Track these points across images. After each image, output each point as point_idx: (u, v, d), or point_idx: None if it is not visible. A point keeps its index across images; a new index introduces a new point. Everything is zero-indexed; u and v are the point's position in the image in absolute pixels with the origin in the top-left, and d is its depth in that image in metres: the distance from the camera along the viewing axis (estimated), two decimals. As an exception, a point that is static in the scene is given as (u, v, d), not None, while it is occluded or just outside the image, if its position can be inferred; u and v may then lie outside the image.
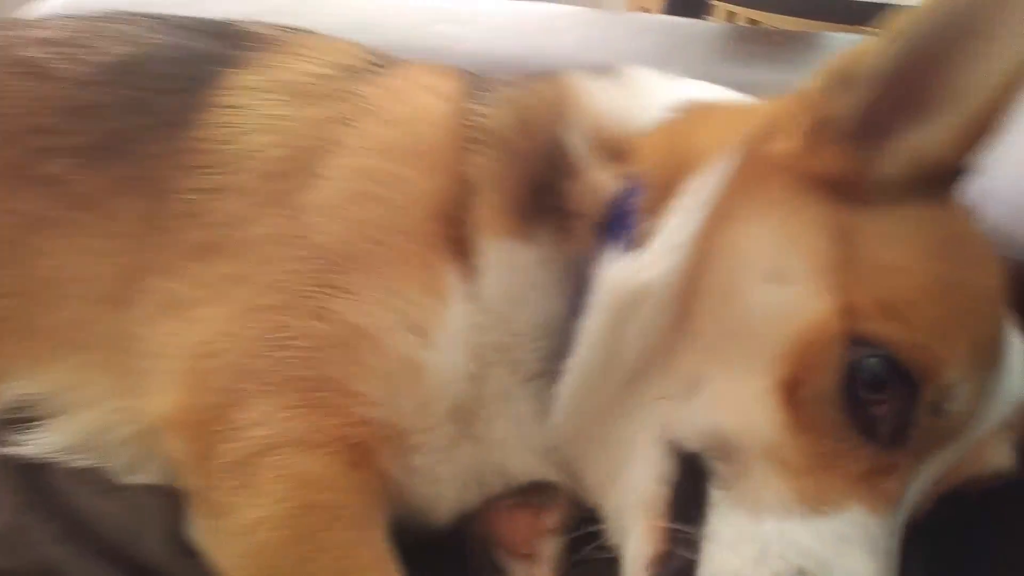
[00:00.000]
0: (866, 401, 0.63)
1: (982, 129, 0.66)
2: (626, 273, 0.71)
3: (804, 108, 0.70)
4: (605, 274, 0.73)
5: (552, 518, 0.80)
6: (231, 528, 0.70)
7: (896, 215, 0.67)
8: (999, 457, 0.70)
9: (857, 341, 0.63)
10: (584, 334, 0.73)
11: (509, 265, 0.76)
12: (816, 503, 0.63)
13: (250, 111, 0.82)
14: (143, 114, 0.84)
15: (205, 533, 0.73)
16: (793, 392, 0.64)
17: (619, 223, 0.75)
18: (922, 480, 0.66)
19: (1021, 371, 0.69)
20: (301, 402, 0.71)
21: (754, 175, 0.70)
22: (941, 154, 0.67)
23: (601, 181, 0.77)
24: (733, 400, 0.66)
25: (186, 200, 0.79)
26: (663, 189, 0.74)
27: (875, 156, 0.67)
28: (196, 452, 0.72)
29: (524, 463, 0.78)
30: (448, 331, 0.73)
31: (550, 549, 0.80)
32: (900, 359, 0.63)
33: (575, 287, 0.75)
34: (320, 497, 0.69)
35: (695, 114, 0.80)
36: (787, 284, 0.66)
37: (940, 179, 0.68)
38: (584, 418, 0.74)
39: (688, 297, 0.70)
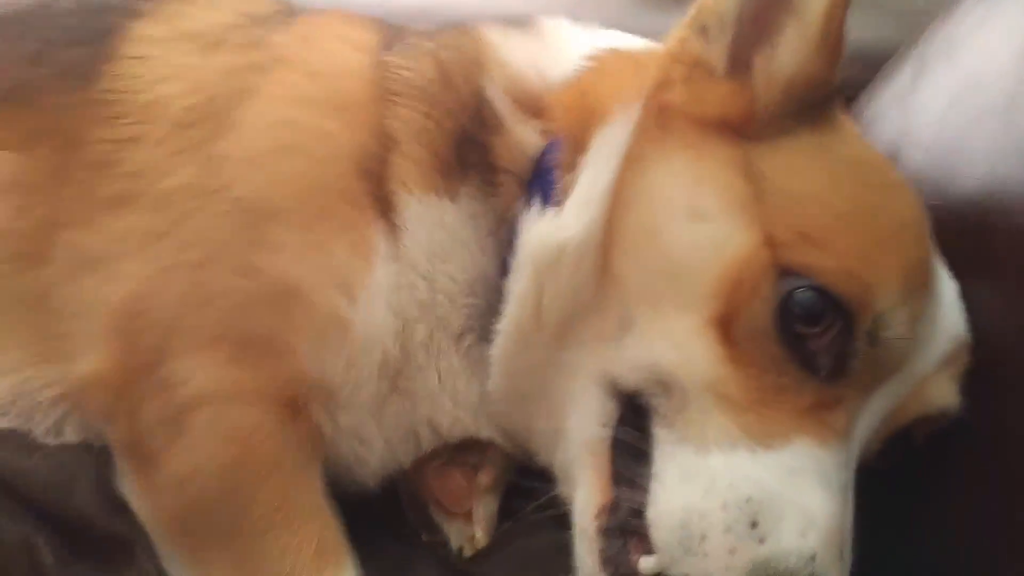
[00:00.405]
0: (803, 334, 0.64)
1: (828, 36, 0.69)
2: (546, 232, 0.72)
3: (676, 59, 0.73)
4: (527, 234, 0.73)
5: (486, 477, 0.81)
6: (163, 483, 0.69)
7: (792, 145, 0.69)
8: (944, 395, 0.70)
9: (785, 272, 0.64)
10: (511, 295, 0.73)
11: (432, 222, 0.75)
12: (763, 437, 0.63)
13: (157, 60, 0.81)
14: (48, 65, 0.81)
15: (136, 488, 0.72)
16: (727, 327, 0.65)
17: (542, 180, 0.75)
18: (870, 415, 0.67)
19: (954, 303, 0.71)
20: (231, 358, 0.70)
21: (657, 123, 0.72)
22: (804, 71, 0.70)
23: (523, 137, 0.77)
24: (667, 336, 0.67)
25: (98, 151, 0.77)
26: (577, 143, 0.74)
27: (752, 91, 0.70)
28: (125, 410, 0.71)
29: (455, 419, 0.78)
30: (373, 290, 0.73)
31: (485, 508, 0.81)
32: (831, 289, 0.63)
33: (503, 245, 0.76)
34: (254, 451, 0.68)
35: (603, 64, 0.80)
36: (706, 221, 0.68)
37: (817, 100, 0.71)
38: (521, 376, 0.75)
39: (610, 246, 0.71)
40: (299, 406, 0.71)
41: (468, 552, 0.80)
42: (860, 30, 1.21)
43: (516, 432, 0.79)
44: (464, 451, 0.82)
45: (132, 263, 0.74)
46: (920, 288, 0.67)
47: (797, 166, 0.69)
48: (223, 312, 0.71)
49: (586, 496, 0.70)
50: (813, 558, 0.60)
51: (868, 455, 0.69)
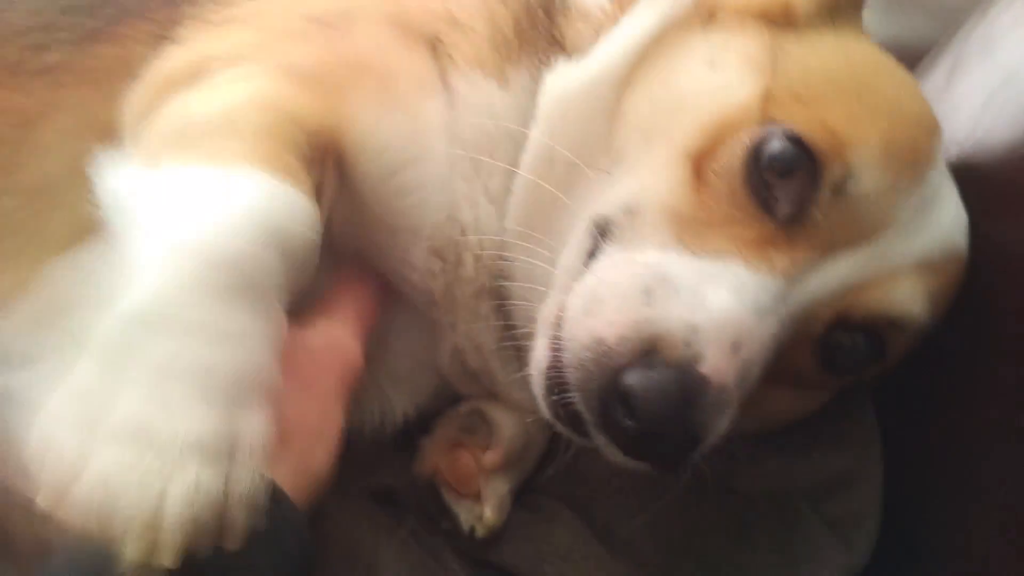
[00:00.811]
0: (768, 178, 0.65)
1: None
2: (567, 76, 0.75)
3: None
4: (550, 81, 0.75)
5: (493, 456, 0.81)
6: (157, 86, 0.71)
7: (816, 37, 0.73)
8: (911, 299, 0.68)
9: (769, 122, 0.66)
10: (530, 138, 0.75)
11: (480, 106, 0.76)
12: (695, 247, 0.64)
13: None
14: None
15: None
16: (702, 162, 0.67)
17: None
18: (827, 275, 0.65)
19: (953, 216, 0.71)
20: (294, 81, 0.71)
21: (701, 11, 0.75)
22: None
23: (586, 7, 0.80)
24: (647, 165, 0.69)
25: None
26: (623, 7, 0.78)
27: None
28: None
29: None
30: (432, 112, 0.74)
31: (493, 488, 0.81)
32: (804, 137, 0.64)
33: None
34: (278, 110, 0.68)
35: None
36: (718, 71, 0.71)
37: (847, 10, 0.74)
38: (533, 215, 0.75)
39: (628, 94, 0.73)
40: (325, 154, 0.70)
41: (480, 533, 0.80)
42: (896, 27, 1.22)
43: (514, 279, 0.77)
44: (472, 432, 0.82)
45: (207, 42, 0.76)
46: (904, 164, 0.66)
47: (814, 49, 0.72)
48: (304, 53, 0.73)
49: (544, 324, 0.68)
50: (695, 329, 0.60)
51: (826, 329, 0.67)
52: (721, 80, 0.70)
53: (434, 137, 0.74)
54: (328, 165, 0.71)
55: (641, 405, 0.59)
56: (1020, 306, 0.73)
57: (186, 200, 0.60)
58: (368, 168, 0.72)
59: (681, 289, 0.62)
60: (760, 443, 0.75)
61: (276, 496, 0.54)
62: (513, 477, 0.83)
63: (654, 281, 0.63)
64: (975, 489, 0.76)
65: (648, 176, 0.69)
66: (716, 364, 0.60)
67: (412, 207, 0.75)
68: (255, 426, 0.54)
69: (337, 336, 0.71)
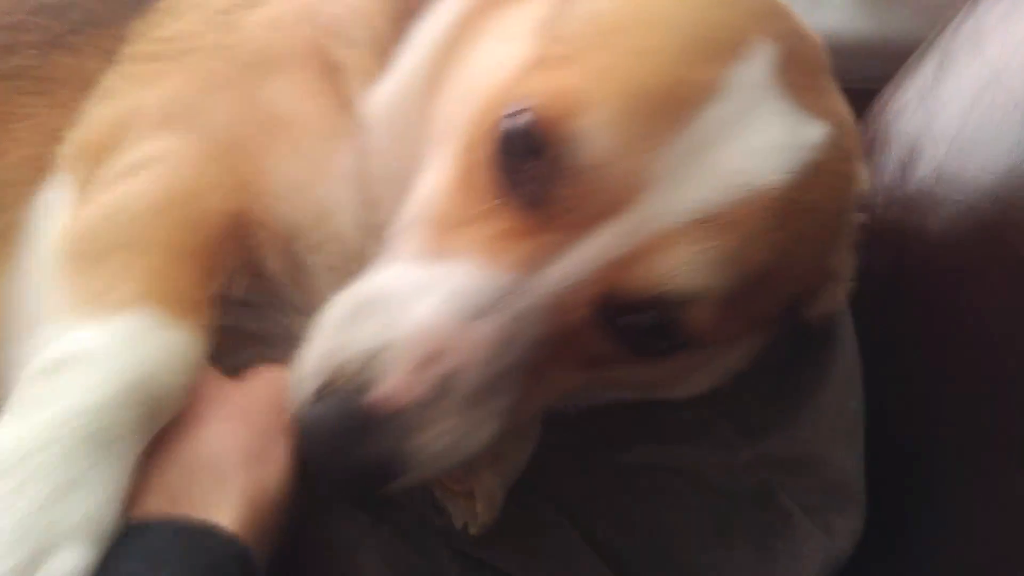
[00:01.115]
0: (513, 164, 0.60)
1: None
2: (372, 98, 0.74)
3: None
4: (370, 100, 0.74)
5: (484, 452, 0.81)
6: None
7: None
8: (677, 267, 0.58)
9: (523, 96, 0.60)
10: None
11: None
12: (436, 253, 0.61)
13: None
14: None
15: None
16: (467, 155, 0.63)
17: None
18: (574, 259, 0.58)
19: (753, 144, 0.59)
20: (211, 157, 0.71)
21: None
22: None
23: None
24: (430, 170, 0.66)
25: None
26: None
27: None
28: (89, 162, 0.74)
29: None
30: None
31: (484, 484, 0.80)
32: (535, 109, 0.58)
33: None
34: (186, 206, 0.69)
35: None
36: (507, 42, 0.66)
37: None
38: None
39: (436, 91, 0.70)
40: (242, 224, 0.71)
41: (473, 530, 0.80)
42: (882, 23, 1.22)
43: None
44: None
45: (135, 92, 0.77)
46: (657, 112, 0.57)
47: None
48: (214, 116, 0.74)
49: None
50: (383, 349, 0.57)
51: (613, 317, 0.60)
52: (506, 51, 0.64)
53: (345, 186, 0.74)
54: (251, 233, 0.72)
55: (301, 445, 0.58)
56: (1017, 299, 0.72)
57: (67, 352, 0.61)
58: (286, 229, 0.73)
59: (390, 305, 0.59)
60: (731, 430, 0.75)
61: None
62: (505, 473, 0.83)
63: (365, 302, 0.60)
64: (979, 470, 0.76)
65: (423, 183, 0.66)
66: (396, 384, 0.56)
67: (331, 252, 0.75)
68: (61, 568, 0.53)
69: (268, 368, 0.70)
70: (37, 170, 0.77)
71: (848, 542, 0.79)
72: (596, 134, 0.57)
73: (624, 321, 0.61)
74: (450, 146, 0.65)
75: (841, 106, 0.67)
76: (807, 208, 0.61)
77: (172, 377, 0.61)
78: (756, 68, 0.60)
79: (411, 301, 0.59)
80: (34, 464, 0.55)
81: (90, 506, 0.55)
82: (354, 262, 0.72)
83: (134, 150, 0.73)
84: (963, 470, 0.77)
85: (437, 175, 0.65)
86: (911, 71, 0.98)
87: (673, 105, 0.58)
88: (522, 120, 0.59)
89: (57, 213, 0.73)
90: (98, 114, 0.77)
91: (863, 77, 0.73)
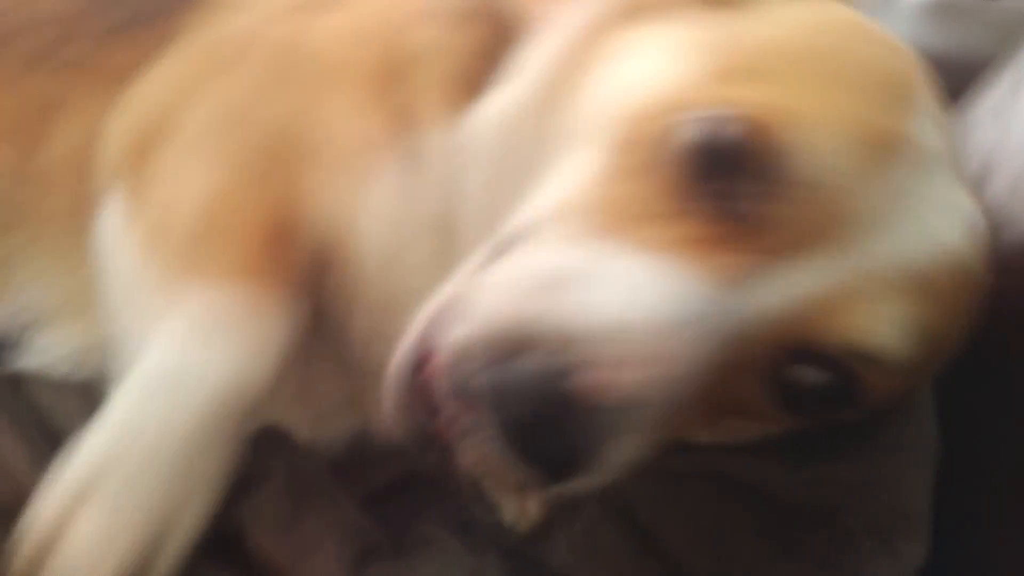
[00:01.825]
0: (705, 171, 0.56)
1: None
2: (483, 113, 0.72)
3: None
4: (476, 116, 0.72)
5: None
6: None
7: (767, 7, 0.64)
8: (880, 327, 0.55)
9: (711, 106, 0.57)
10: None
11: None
12: (621, 241, 0.56)
13: None
14: None
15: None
16: (635, 151, 0.59)
17: None
18: (789, 282, 0.54)
19: (947, 208, 0.58)
20: (244, 168, 0.73)
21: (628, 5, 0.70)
22: None
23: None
24: (573, 165, 0.63)
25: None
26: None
27: None
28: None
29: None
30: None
31: None
32: (743, 121, 0.56)
33: None
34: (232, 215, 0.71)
35: None
36: (660, 53, 0.64)
37: None
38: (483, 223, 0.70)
39: (556, 100, 0.68)
40: (284, 238, 0.73)
41: (523, 527, 0.79)
42: (950, 40, 1.20)
43: None
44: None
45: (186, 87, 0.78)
46: (866, 145, 0.55)
47: (763, 19, 0.63)
48: (255, 128, 0.75)
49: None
50: (579, 337, 0.50)
51: (782, 366, 0.57)
52: (654, 67, 0.63)
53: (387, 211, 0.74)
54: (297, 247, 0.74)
55: (494, 403, 0.50)
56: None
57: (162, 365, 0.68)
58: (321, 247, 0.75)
59: (587, 287, 0.53)
60: (794, 446, 0.74)
61: None
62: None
63: (550, 277, 0.54)
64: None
65: (572, 174, 0.62)
66: (607, 377, 0.49)
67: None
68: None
69: None
70: (84, 160, 0.78)
71: (912, 569, 0.77)
72: (818, 152, 0.54)
73: (795, 372, 0.57)
74: (595, 146, 0.62)
75: None
76: (978, 283, 0.61)
77: (261, 374, 0.69)
78: (927, 124, 0.60)
79: (611, 290, 0.52)
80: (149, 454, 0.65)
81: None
82: (384, 277, 0.74)
83: (179, 153, 0.74)
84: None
85: (584, 169, 0.61)
86: (987, 87, 0.97)
87: (880, 145, 0.56)
88: (731, 128, 0.55)
89: (113, 223, 0.76)
90: (145, 109, 0.78)
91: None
